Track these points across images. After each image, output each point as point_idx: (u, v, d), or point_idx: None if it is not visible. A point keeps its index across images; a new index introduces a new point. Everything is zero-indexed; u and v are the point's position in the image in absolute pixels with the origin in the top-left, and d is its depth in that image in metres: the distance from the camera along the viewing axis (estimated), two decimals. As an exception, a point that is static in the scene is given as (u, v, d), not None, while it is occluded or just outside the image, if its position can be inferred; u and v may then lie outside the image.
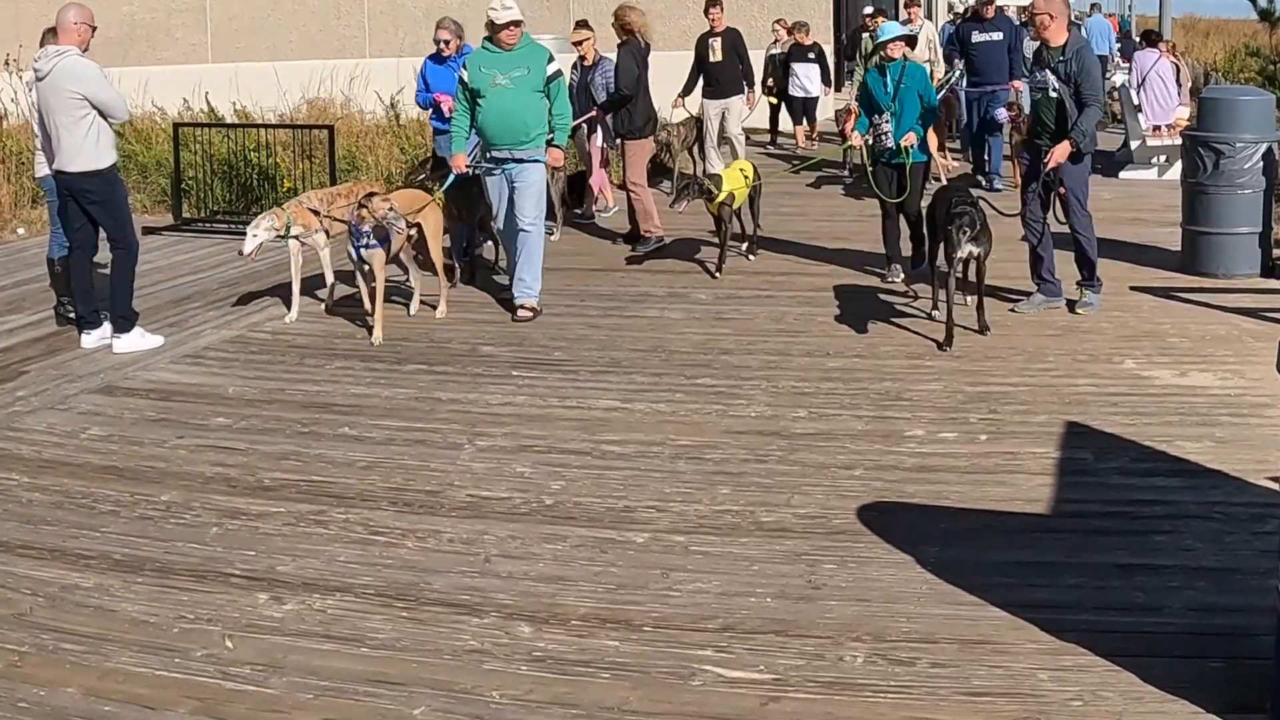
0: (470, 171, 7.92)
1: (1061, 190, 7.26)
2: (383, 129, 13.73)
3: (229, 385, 6.49)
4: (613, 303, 8.09)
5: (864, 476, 5.06)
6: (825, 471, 5.13)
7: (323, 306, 7.94)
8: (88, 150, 6.91)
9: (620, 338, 7.22)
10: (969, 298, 7.25)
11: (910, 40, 8.67)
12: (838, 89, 16.35)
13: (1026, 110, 7.98)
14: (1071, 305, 7.47)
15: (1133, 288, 8.04)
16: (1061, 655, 3.64)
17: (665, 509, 4.80)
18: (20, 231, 11.23)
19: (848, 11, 18.89)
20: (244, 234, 7.60)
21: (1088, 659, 3.61)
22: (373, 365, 6.78)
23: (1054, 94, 7.15)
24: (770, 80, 14.94)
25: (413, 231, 7.55)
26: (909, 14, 13.97)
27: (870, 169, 8.26)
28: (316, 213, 7.68)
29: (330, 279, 7.92)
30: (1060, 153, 7.05)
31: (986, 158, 11.87)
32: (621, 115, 9.61)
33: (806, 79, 14.51)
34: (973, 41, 11.80)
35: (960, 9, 18.51)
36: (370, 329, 7.25)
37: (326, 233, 7.72)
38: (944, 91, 12.55)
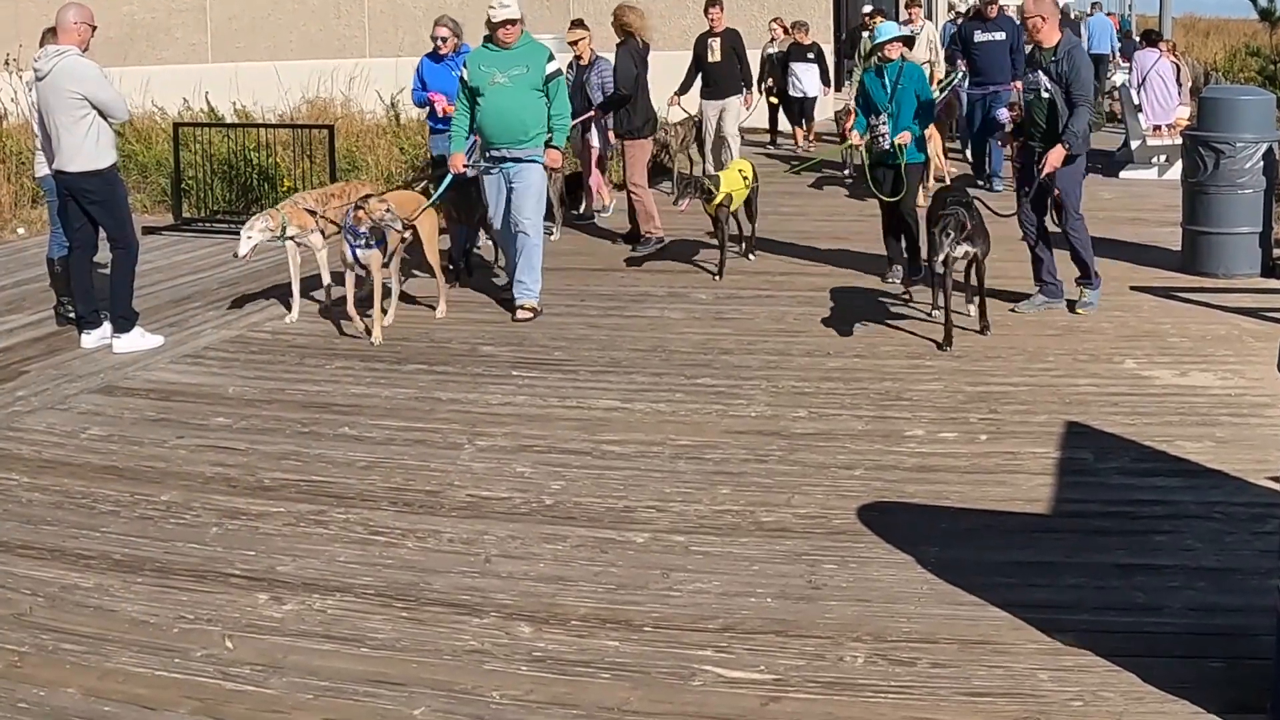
0: (468, 172, 7.91)
1: (1056, 192, 7.26)
2: (383, 129, 13.74)
3: (229, 385, 6.49)
4: (613, 303, 8.09)
5: (864, 476, 5.06)
6: (825, 471, 5.12)
7: (320, 307, 7.92)
8: (88, 150, 6.90)
9: (620, 337, 7.22)
10: (970, 307, 7.21)
11: (908, 41, 8.66)
12: (837, 89, 16.34)
13: None
14: (1072, 305, 7.47)
15: (1133, 287, 8.05)
16: (1062, 655, 3.64)
17: (665, 509, 4.80)
18: (20, 231, 11.24)
19: (847, 11, 18.88)
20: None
21: (1088, 659, 3.60)
22: (373, 365, 6.78)
23: (1046, 94, 7.15)
24: (770, 80, 14.92)
25: (407, 234, 7.50)
26: (909, 14, 13.97)
27: (869, 169, 8.25)
28: (312, 212, 7.64)
29: (326, 279, 7.90)
30: (1055, 157, 7.05)
31: (988, 157, 11.86)
32: (621, 115, 9.60)
33: (804, 79, 14.48)
34: (975, 41, 11.78)
35: (962, 8, 18.51)
36: (369, 330, 7.25)
37: (322, 233, 7.68)
38: (946, 92, 12.56)
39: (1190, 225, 8.54)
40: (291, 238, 7.60)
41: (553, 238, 9.66)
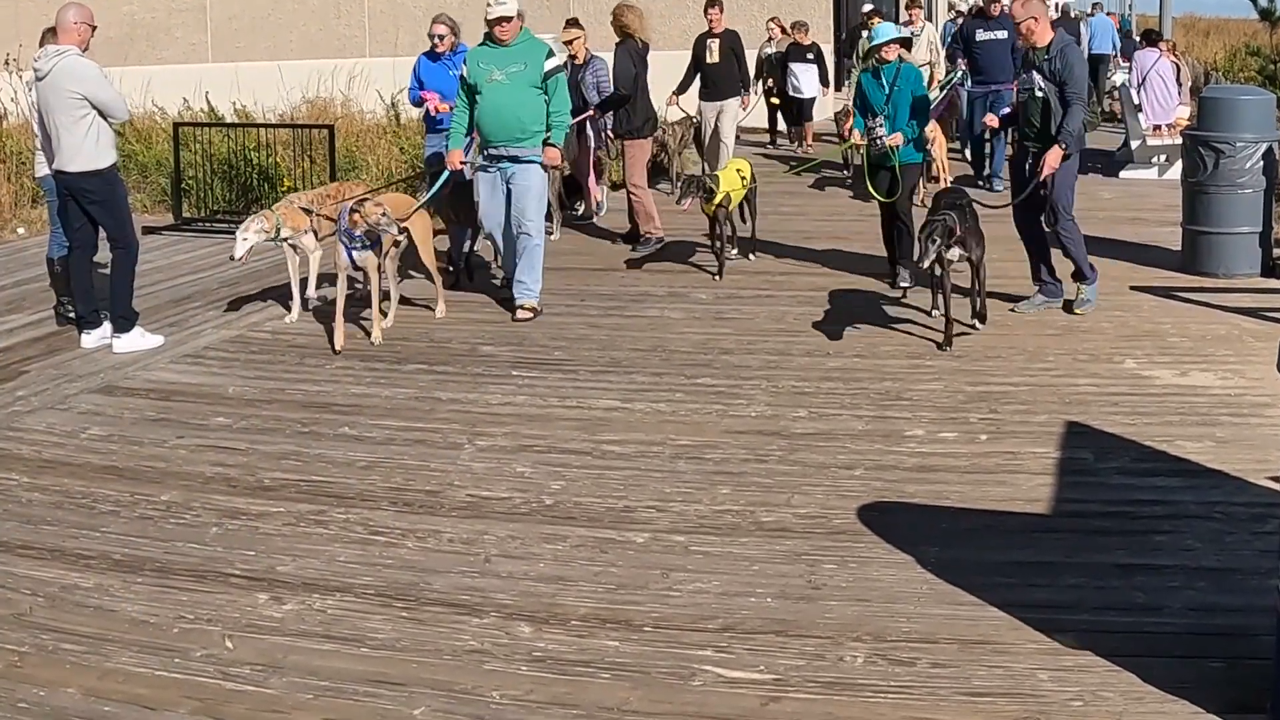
0: (465, 171, 7.89)
1: (1043, 192, 7.24)
2: (383, 129, 13.73)
3: (229, 385, 6.49)
4: (613, 302, 8.09)
5: (864, 476, 5.06)
6: (825, 471, 5.12)
7: (321, 306, 7.90)
8: (87, 150, 6.90)
9: (620, 337, 7.22)
10: (974, 318, 7.18)
11: (905, 43, 8.65)
12: (837, 89, 16.33)
13: None
14: (1069, 306, 7.45)
15: (1133, 287, 8.05)
16: (1061, 655, 3.64)
17: (665, 509, 4.80)
18: (20, 231, 11.24)
19: (847, 10, 18.88)
20: (241, 235, 7.56)
21: (1088, 659, 3.60)
22: (373, 365, 6.78)
23: (1040, 94, 7.15)
24: (770, 81, 14.91)
25: (401, 238, 7.47)
26: (910, 15, 13.97)
27: (867, 170, 8.25)
28: (308, 211, 7.60)
29: (313, 285, 7.79)
30: (1053, 159, 7.03)
31: (988, 158, 11.85)
32: (620, 115, 9.60)
33: (802, 79, 14.47)
34: (977, 40, 11.75)
35: (962, 7, 18.50)
36: (368, 331, 7.25)
37: (315, 233, 7.63)
38: (946, 90, 12.55)
39: (1190, 225, 8.54)
40: (286, 239, 7.57)
41: (553, 238, 9.65)
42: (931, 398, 6.01)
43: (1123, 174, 12.79)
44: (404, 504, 4.91)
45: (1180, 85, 13.09)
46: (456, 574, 4.29)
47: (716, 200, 8.50)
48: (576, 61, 10.09)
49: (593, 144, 10.45)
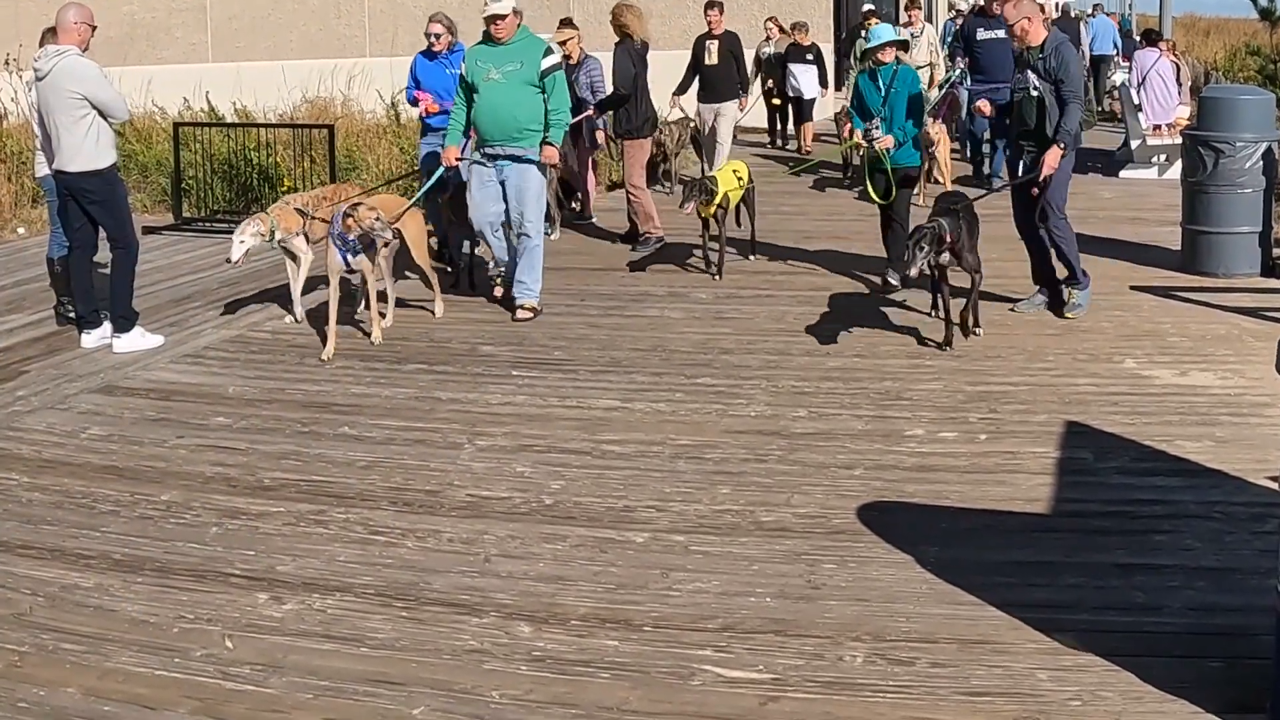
0: (460, 168, 7.85)
1: (1035, 192, 7.22)
2: (383, 128, 13.74)
3: (229, 385, 6.49)
4: (613, 302, 8.09)
5: (864, 476, 5.06)
6: (825, 471, 5.13)
7: (323, 307, 7.83)
8: (87, 150, 6.91)
9: (620, 337, 7.22)
10: (977, 329, 7.10)
11: (901, 45, 8.62)
12: (838, 88, 16.33)
13: None
14: (1060, 310, 7.36)
15: (1133, 287, 8.05)
16: (1061, 655, 3.64)
17: (665, 509, 4.80)
18: (20, 231, 11.24)
19: (847, 10, 18.88)
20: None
21: (1087, 659, 3.61)
22: (372, 365, 6.78)
23: (1035, 93, 7.13)
24: (770, 81, 14.90)
25: (394, 241, 7.42)
26: (909, 16, 13.96)
27: (867, 171, 8.24)
28: (302, 213, 7.52)
29: (298, 291, 7.61)
30: (1052, 159, 7.00)
31: (988, 158, 11.84)
32: (620, 115, 9.59)
33: (802, 80, 14.46)
34: (978, 39, 11.71)
35: (962, 6, 18.48)
36: (367, 331, 7.24)
37: (307, 237, 7.53)
38: (946, 88, 12.54)
39: (1190, 225, 8.54)
40: (280, 241, 7.50)
41: (552, 238, 9.65)
42: (931, 397, 6.01)
43: (1123, 174, 12.79)
44: (404, 504, 4.91)
45: (1180, 85, 13.09)
46: (456, 574, 4.29)
47: (716, 202, 8.50)
48: (571, 61, 10.08)
49: (587, 144, 10.44)
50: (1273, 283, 8.10)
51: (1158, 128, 12.62)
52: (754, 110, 13.17)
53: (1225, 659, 3.59)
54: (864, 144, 8.20)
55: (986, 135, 11.70)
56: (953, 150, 12.83)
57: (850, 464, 5.19)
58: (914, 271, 6.55)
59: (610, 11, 9.74)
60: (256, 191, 11.72)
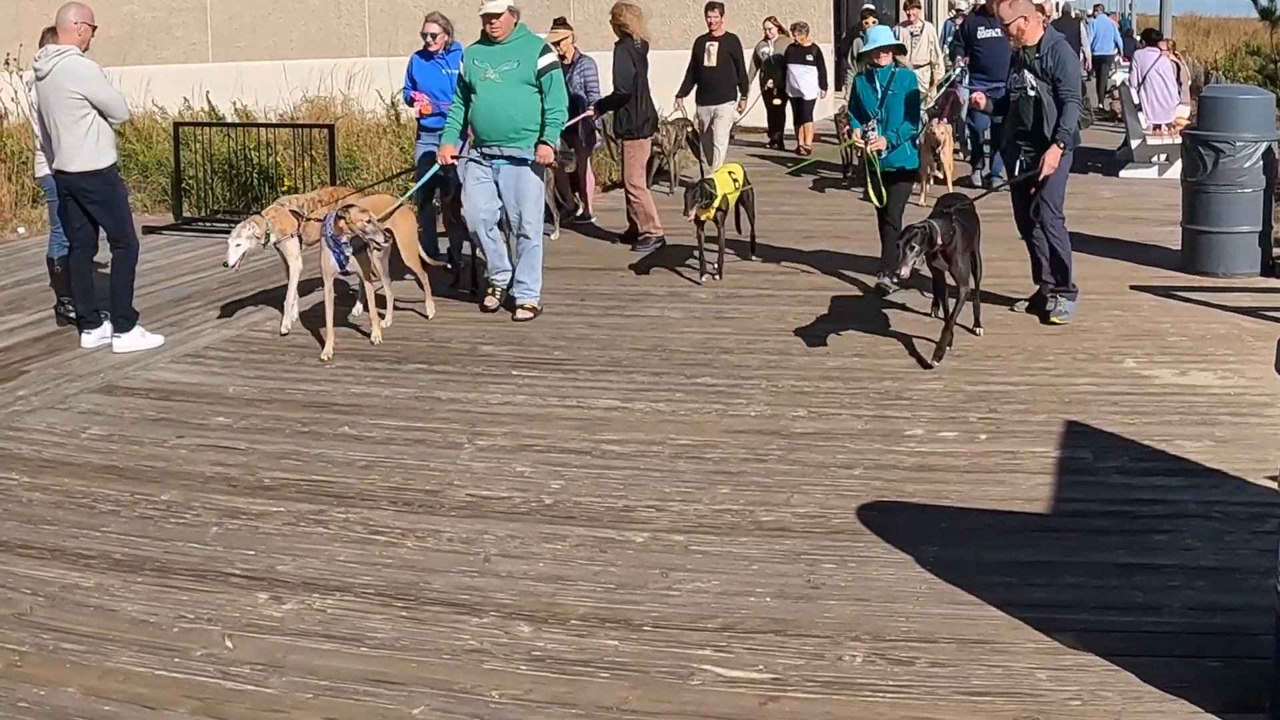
0: (457, 166, 7.83)
1: (1030, 191, 7.21)
2: (383, 128, 13.74)
3: (229, 385, 6.49)
4: (613, 302, 8.09)
5: (863, 476, 5.06)
6: (825, 471, 5.13)
7: (318, 308, 7.76)
8: (88, 150, 6.91)
9: (620, 337, 7.23)
10: (977, 329, 7.11)
11: (898, 49, 8.58)
12: (838, 88, 16.32)
13: None
14: (1046, 315, 7.27)
15: (1133, 287, 8.05)
16: (1060, 655, 3.64)
17: (665, 508, 4.80)
18: (20, 231, 11.25)
19: (848, 10, 18.88)
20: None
21: (1087, 658, 3.61)
22: (372, 365, 6.78)
23: (1032, 93, 7.11)
24: (770, 82, 14.90)
25: (385, 244, 7.40)
26: (909, 15, 13.95)
27: (867, 173, 8.23)
28: (298, 215, 7.45)
29: (293, 295, 7.54)
30: (1053, 159, 6.98)
31: (988, 157, 11.83)
32: (620, 115, 9.58)
33: (802, 81, 14.45)
34: (979, 37, 11.71)
35: (962, 5, 18.48)
36: (366, 332, 7.24)
37: (300, 239, 7.46)
38: (946, 86, 12.53)
39: (1190, 224, 8.54)
40: (275, 243, 7.46)
41: (552, 238, 9.65)
42: (931, 397, 6.02)
43: (1123, 173, 12.79)
44: (404, 503, 4.91)
45: (1180, 84, 13.09)
46: (456, 573, 4.29)
47: (715, 205, 8.49)
48: (565, 62, 10.07)
49: (584, 144, 10.43)
50: (1273, 282, 8.10)
51: (1158, 127, 12.62)
52: (754, 110, 13.15)
53: (1225, 659, 3.59)
54: (860, 144, 8.19)
55: (986, 135, 11.69)
56: (954, 150, 12.82)
57: (850, 464, 5.19)
58: (905, 271, 6.44)
59: (610, 11, 9.73)
60: (257, 191, 11.71)
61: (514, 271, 7.83)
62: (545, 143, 7.48)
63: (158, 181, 12.41)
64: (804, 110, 14.69)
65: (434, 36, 8.64)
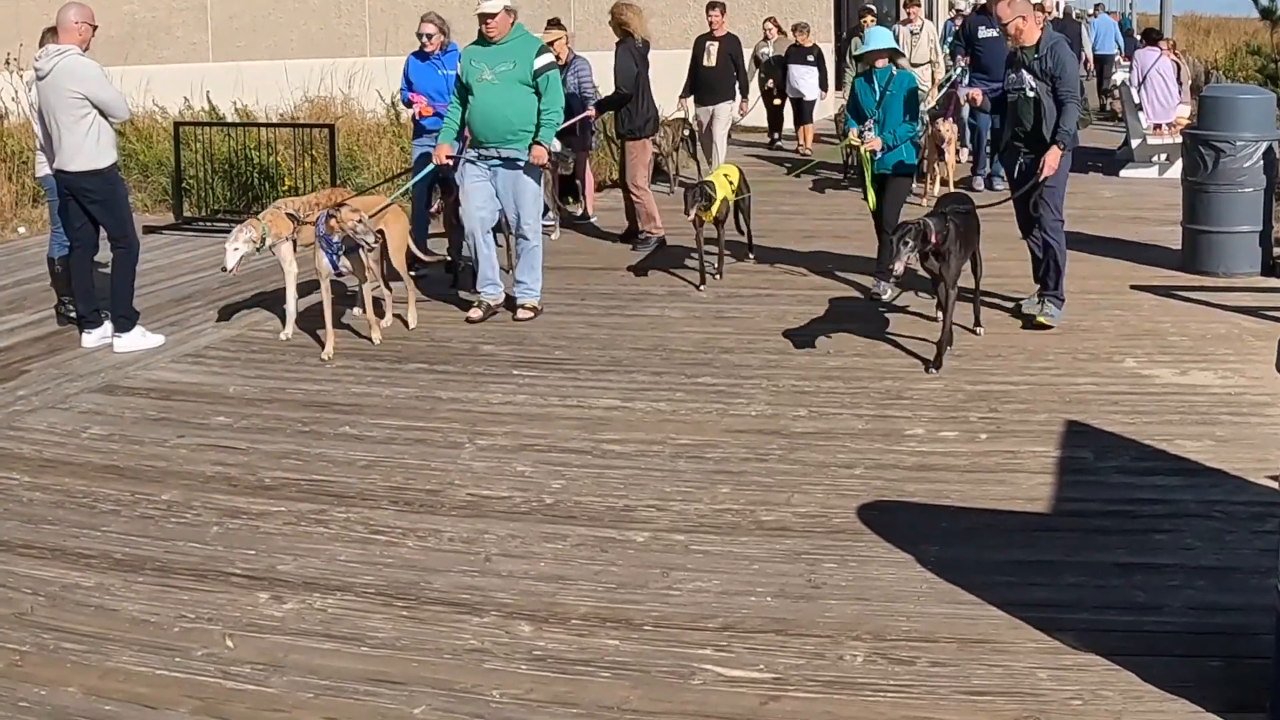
0: (452, 168, 7.82)
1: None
2: (383, 128, 13.74)
3: (230, 384, 6.49)
4: (613, 302, 8.09)
5: (864, 475, 5.06)
6: (825, 470, 5.13)
7: (315, 308, 7.69)
8: (88, 149, 6.91)
9: (621, 337, 7.23)
10: (978, 328, 7.11)
11: (894, 54, 8.56)
12: (838, 88, 16.31)
13: None
14: (1030, 318, 7.19)
15: (1133, 286, 8.05)
16: (1061, 654, 3.64)
17: (665, 508, 4.80)
18: (21, 231, 11.24)
19: (848, 10, 18.88)
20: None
21: (1087, 658, 3.61)
22: (373, 364, 6.78)
23: (1031, 93, 7.10)
24: (770, 82, 14.88)
25: (375, 245, 7.37)
26: (909, 14, 13.93)
27: (866, 174, 8.22)
28: (294, 217, 7.38)
29: (291, 302, 7.44)
30: (1053, 159, 6.96)
31: (988, 157, 11.82)
32: (621, 115, 9.58)
33: (802, 81, 14.44)
34: (979, 37, 11.69)
35: (962, 4, 18.46)
36: (370, 335, 7.24)
37: (294, 243, 7.39)
38: (947, 86, 12.52)
39: (1190, 224, 8.54)
40: (271, 246, 7.42)
41: (552, 237, 9.64)
42: (931, 397, 6.02)
43: (1123, 173, 12.79)
44: (404, 503, 4.91)
45: (1181, 84, 13.09)
46: (457, 573, 4.29)
47: (715, 207, 8.48)
48: (559, 62, 10.05)
49: (581, 144, 10.43)
50: (1273, 282, 8.11)
51: (1158, 127, 12.62)
52: (754, 111, 13.13)
53: (1225, 658, 3.59)
54: (857, 144, 8.18)
55: (988, 136, 11.68)
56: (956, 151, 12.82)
57: (850, 463, 5.20)
58: (898, 267, 6.39)
59: (610, 10, 9.73)
60: (257, 191, 11.71)
61: (513, 273, 7.81)
62: (539, 143, 7.45)
63: (158, 181, 12.41)
64: (804, 111, 14.68)
65: (429, 37, 8.57)
